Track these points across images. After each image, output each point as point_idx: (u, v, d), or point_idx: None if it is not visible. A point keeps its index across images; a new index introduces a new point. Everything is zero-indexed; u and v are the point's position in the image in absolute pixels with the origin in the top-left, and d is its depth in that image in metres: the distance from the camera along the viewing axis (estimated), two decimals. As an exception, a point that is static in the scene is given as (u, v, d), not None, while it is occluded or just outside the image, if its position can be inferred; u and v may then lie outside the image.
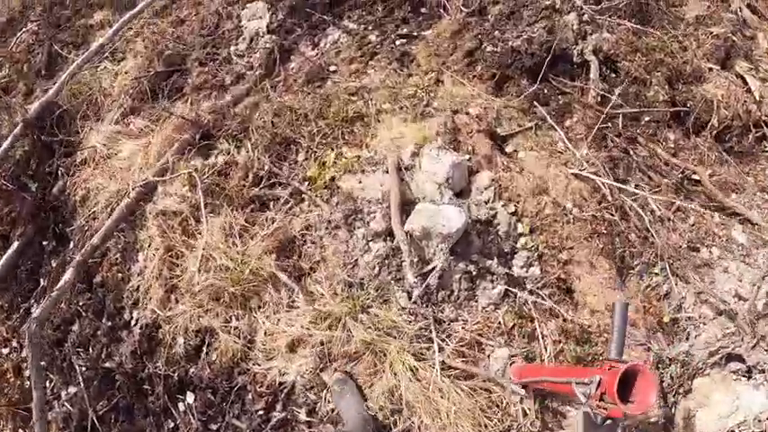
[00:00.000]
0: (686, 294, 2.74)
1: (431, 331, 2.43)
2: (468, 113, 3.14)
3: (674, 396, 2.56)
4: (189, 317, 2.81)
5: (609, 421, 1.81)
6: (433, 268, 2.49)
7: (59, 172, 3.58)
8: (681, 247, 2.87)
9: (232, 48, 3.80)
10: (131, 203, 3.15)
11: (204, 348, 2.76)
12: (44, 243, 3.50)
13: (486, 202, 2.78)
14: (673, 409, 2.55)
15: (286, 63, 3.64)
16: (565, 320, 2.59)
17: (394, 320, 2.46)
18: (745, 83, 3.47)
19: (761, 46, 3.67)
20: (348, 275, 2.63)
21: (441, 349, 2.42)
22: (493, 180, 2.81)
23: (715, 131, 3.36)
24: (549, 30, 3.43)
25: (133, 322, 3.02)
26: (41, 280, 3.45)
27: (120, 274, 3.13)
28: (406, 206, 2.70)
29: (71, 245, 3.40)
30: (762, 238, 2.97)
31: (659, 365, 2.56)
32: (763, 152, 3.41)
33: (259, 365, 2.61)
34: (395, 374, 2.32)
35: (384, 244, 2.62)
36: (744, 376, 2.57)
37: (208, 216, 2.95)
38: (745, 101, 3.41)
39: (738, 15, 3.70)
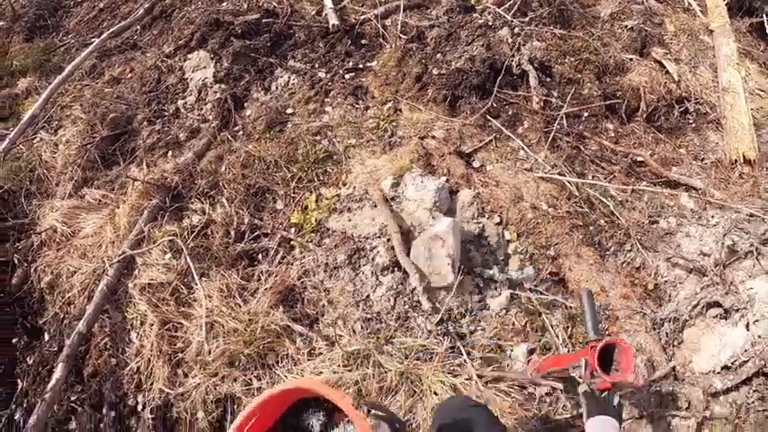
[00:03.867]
0: (659, 262, 3.05)
1: (458, 348, 2.55)
2: (434, 137, 3.29)
3: (671, 349, 2.86)
4: (204, 389, 2.72)
5: (605, 393, 1.99)
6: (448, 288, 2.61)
7: (15, 260, 3.34)
8: (643, 223, 3.18)
9: (180, 102, 3.72)
10: (111, 282, 3.00)
11: (228, 417, 2.70)
12: (13, 341, 3.24)
13: (473, 218, 2.94)
14: (672, 360, 2.85)
15: (241, 111, 3.62)
16: (567, 308, 2.81)
17: (423, 344, 2.56)
18: (663, 66, 3.89)
19: (668, 30, 4.13)
20: (364, 312, 2.69)
21: (472, 361, 2.54)
22: (474, 197, 2.98)
23: (645, 114, 3.74)
24: (487, 46, 3.67)
25: (140, 407, 2.87)
26: (19, 381, 3.18)
27: (113, 359, 2.97)
28: (403, 233, 2.81)
29: (46, 337, 3.18)
30: (707, 200, 3.36)
31: (655, 326, 2.84)
32: (689, 124, 3.83)
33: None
34: (435, 393, 2.41)
35: (393, 275, 2.70)
36: (723, 318, 2.91)
37: (201, 281, 2.89)
38: (665, 82, 3.82)
39: (645, 5, 4.14)
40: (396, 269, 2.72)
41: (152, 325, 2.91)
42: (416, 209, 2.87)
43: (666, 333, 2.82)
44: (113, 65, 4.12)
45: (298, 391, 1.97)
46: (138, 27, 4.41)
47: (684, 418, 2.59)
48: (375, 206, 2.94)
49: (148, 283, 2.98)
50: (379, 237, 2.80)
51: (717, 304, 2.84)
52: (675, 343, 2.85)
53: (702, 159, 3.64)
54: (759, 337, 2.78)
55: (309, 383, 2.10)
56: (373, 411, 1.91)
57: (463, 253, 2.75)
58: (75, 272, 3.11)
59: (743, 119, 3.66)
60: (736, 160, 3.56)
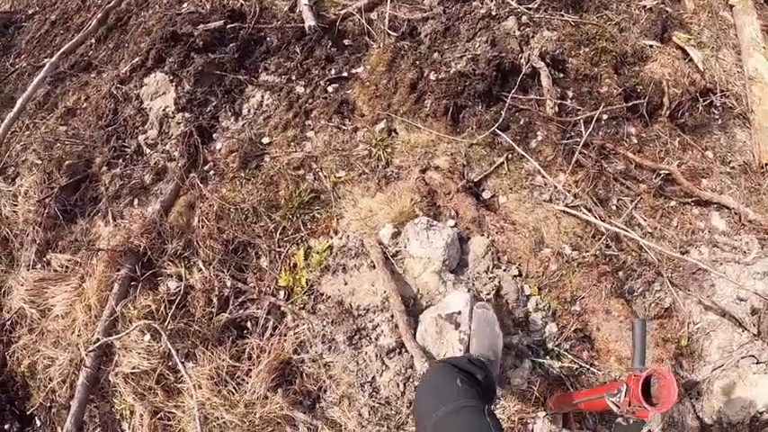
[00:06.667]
0: (691, 306, 2.75)
1: None
2: (437, 168, 2.87)
3: (702, 401, 2.65)
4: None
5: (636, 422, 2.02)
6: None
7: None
8: (674, 257, 2.84)
9: (141, 137, 3.23)
10: (91, 373, 2.69)
11: None
12: (5, 427, 2.97)
13: (487, 271, 2.60)
14: (701, 413, 2.64)
15: (210, 144, 3.14)
16: (594, 374, 2.54)
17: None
18: (686, 54, 3.40)
19: (688, 8, 3.59)
20: (371, 398, 2.41)
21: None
22: (488, 246, 2.62)
23: (668, 111, 3.30)
24: (492, 42, 3.15)
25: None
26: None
27: (110, 450, 2.73)
28: (407, 304, 2.48)
29: (38, 422, 2.92)
30: (739, 221, 3.01)
31: (688, 391, 2.60)
32: (714, 120, 3.40)
33: None
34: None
35: (400, 357, 2.40)
36: (755, 364, 2.68)
37: (186, 367, 2.58)
38: (689, 72, 3.35)
39: (663, -22, 3.57)
40: (403, 350, 2.40)
41: (142, 416, 2.65)
42: (423, 271, 2.52)
43: (698, 392, 2.57)
44: (67, 92, 3.56)
45: None
46: (93, 41, 3.81)
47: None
48: (374, 266, 2.59)
49: (131, 372, 2.68)
50: (382, 311, 2.46)
51: (752, 357, 2.59)
52: (706, 397, 2.62)
53: (730, 162, 3.25)
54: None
55: None
56: None
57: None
58: (51, 362, 2.80)
59: (773, 115, 3.23)
60: (766, 164, 3.18)
